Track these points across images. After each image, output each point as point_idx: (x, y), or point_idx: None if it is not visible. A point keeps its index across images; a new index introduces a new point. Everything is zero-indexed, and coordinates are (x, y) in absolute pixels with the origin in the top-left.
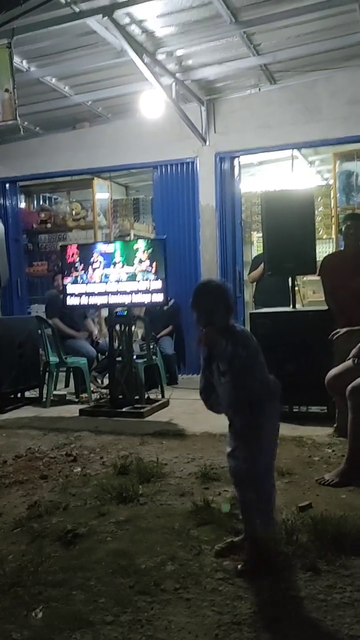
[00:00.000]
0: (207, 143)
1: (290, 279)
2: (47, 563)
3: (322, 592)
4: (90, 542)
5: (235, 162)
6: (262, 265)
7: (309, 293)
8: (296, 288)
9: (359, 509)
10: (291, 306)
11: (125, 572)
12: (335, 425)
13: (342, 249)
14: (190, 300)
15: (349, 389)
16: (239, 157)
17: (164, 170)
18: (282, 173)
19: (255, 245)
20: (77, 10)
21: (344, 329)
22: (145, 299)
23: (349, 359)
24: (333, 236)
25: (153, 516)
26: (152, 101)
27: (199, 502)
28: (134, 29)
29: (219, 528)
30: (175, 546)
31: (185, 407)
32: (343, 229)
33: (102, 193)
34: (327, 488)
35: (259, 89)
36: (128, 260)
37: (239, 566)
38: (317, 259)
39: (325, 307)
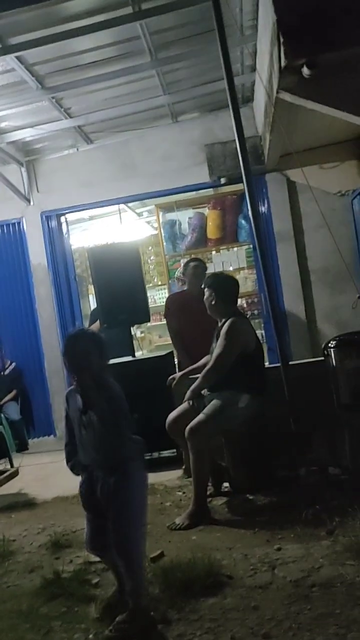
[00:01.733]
0: (32, 203)
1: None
2: None
3: None
4: None
5: (62, 219)
6: None
7: (155, 338)
8: (140, 335)
9: (208, 547)
10: (131, 355)
11: None
12: (183, 467)
13: (185, 289)
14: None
15: (187, 430)
16: (65, 214)
17: None
18: (113, 226)
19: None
20: None
21: (179, 374)
22: None
23: (185, 401)
24: (167, 282)
25: None
26: None
27: (49, 575)
28: None
29: (70, 599)
30: (22, 630)
31: (36, 472)
32: (187, 270)
33: None
34: (178, 532)
35: (77, 149)
36: None
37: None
38: (157, 304)
39: (163, 352)
